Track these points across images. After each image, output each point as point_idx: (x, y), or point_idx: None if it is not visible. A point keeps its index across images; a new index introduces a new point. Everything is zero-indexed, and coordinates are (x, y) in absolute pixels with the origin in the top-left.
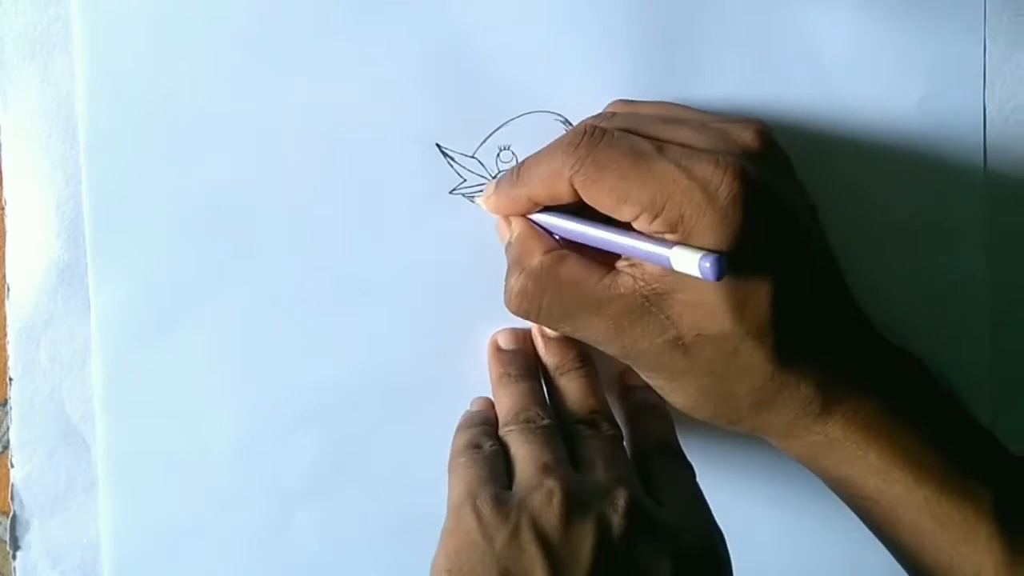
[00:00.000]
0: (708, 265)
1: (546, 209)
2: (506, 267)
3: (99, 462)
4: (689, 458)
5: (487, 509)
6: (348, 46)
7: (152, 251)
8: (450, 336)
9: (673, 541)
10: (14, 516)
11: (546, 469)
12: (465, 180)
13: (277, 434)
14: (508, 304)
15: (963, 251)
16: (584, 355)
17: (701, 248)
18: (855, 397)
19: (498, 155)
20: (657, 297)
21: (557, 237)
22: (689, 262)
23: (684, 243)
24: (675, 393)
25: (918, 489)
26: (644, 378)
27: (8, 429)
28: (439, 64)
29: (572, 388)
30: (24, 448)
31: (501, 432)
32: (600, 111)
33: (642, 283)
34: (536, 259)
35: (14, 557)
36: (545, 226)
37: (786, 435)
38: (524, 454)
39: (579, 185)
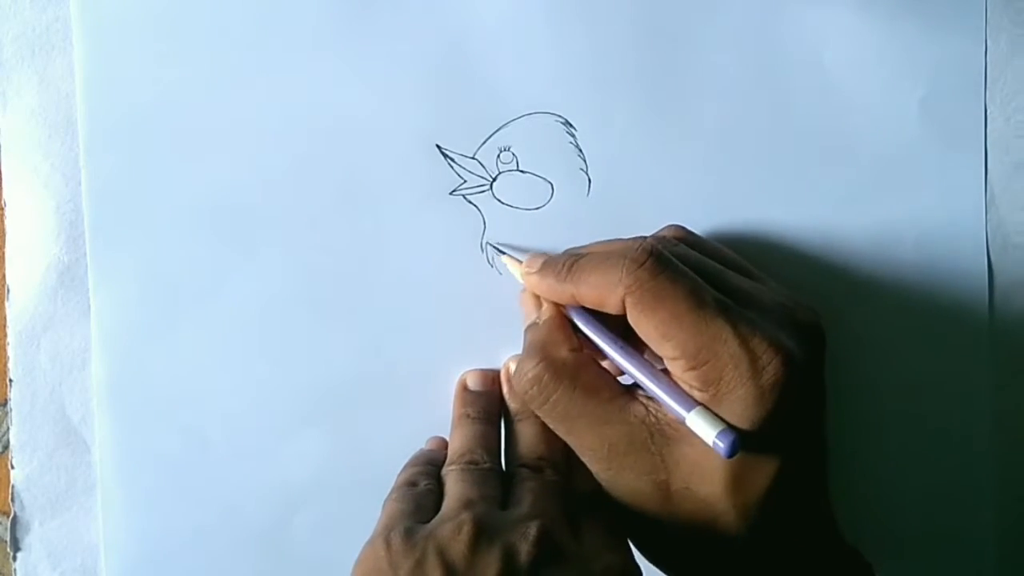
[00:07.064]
0: (723, 445)
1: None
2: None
3: (99, 463)
4: None
5: (397, 540)
6: (348, 47)
7: (152, 251)
8: (450, 336)
9: (583, 571)
10: (14, 517)
11: (468, 504)
12: (465, 181)
13: (277, 434)
14: (517, 383)
15: (964, 254)
16: None
17: (721, 421)
18: None
19: (498, 156)
20: (662, 439)
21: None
22: (705, 431)
23: (708, 407)
24: (639, 535)
25: None
26: (618, 508)
27: (8, 430)
28: (440, 65)
29: (526, 434)
30: (24, 449)
31: (444, 471)
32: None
33: (653, 419)
34: (563, 353)
35: (14, 558)
36: (577, 324)
37: None
38: (454, 491)
39: (629, 307)
